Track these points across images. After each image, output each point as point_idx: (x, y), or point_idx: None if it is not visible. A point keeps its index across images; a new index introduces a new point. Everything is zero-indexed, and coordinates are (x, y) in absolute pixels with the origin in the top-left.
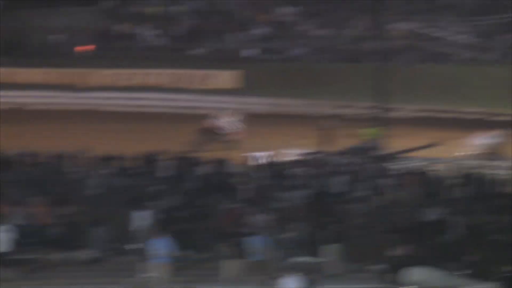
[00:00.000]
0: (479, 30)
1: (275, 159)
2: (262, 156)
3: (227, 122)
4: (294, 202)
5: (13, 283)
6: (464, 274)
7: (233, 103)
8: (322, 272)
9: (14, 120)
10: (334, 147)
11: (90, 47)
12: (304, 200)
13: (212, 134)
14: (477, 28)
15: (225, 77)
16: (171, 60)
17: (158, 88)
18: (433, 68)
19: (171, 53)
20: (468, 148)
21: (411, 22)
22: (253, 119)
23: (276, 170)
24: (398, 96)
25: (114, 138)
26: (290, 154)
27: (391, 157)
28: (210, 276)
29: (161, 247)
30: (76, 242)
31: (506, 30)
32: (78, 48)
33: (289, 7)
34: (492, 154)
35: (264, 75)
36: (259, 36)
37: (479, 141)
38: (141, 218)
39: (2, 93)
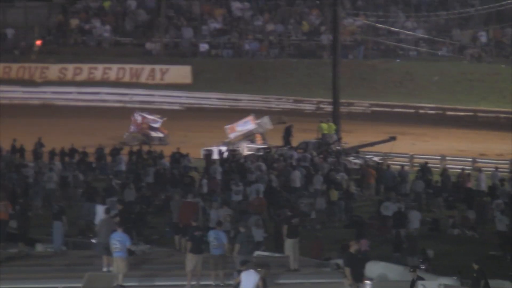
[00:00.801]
0: (433, 25)
1: (231, 154)
2: (218, 151)
3: (152, 119)
4: (251, 197)
5: None
6: (422, 268)
7: (186, 98)
8: (282, 266)
9: None
10: (289, 141)
11: (39, 42)
12: (261, 195)
13: (142, 130)
14: (431, 23)
15: (178, 72)
16: (125, 55)
17: (112, 83)
18: (387, 63)
19: (125, 48)
20: (230, 133)
21: (366, 17)
22: (207, 113)
23: (232, 164)
24: (352, 91)
25: (68, 133)
26: (246, 148)
27: (347, 151)
28: (169, 271)
29: (118, 241)
30: (34, 236)
31: (459, 25)
32: (38, 43)
33: (242, 2)
34: (249, 138)
35: (218, 70)
36: (212, 31)
37: (239, 126)
38: (98, 212)
39: None
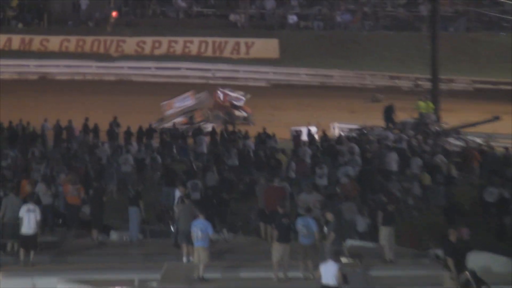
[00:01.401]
0: None
1: (320, 134)
2: (306, 131)
3: (235, 96)
4: (343, 181)
5: (41, 266)
6: None
7: (273, 74)
8: (376, 257)
9: (41, 90)
10: (392, 120)
11: (114, 13)
12: (353, 179)
13: (224, 108)
14: None
15: (265, 46)
16: (207, 27)
17: (193, 58)
18: (491, 37)
19: (207, 20)
20: (168, 110)
21: None
22: (296, 90)
23: (322, 146)
24: (453, 66)
25: (146, 111)
26: (337, 128)
27: (447, 132)
28: (254, 261)
29: (200, 230)
30: (109, 223)
31: None
32: (113, 14)
33: None
34: (188, 114)
35: (307, 44)
36: (301, 2)
37: (178, 103)
38: (178, 198)
39: (29, 62)
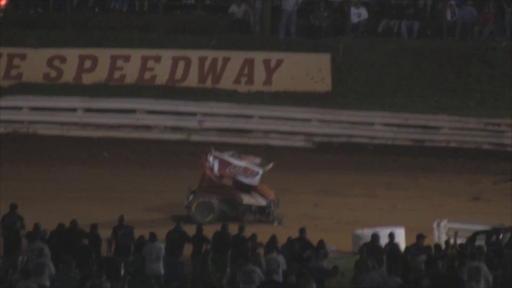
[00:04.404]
0: None
1: (422, 244)
2: (387, 237)
3: (243, 167)
4: None
5: None
6: None
7: (318, 123)
8: None
9: None
10: None
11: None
12: None
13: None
14: None
15: (304, 67)
16: (190, 29)
17: (167, 89)
18: None
19: (185, 16)
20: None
21: None
22: (363, 157)
23: (414, 267)
24: None
25: (66, 195)
26: (444, 230)
27: None
28: None
29: None
30: None
31: None
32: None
33: None
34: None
35: (387, 64)
36: None
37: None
38: None
39: None
